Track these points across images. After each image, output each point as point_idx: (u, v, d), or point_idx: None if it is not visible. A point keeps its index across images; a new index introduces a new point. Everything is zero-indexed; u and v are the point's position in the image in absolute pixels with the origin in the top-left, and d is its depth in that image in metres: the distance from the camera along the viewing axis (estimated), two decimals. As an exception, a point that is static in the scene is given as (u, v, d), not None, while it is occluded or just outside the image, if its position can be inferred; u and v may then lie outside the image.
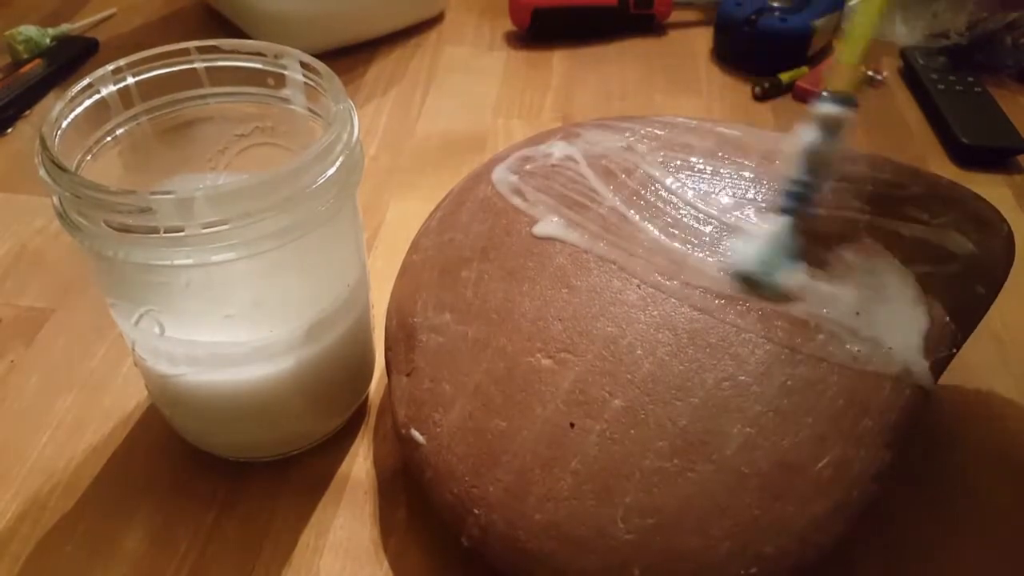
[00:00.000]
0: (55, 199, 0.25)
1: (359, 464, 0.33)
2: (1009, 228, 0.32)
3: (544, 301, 0.29)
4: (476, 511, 0.27)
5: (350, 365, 0.33)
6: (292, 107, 0.30)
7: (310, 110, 0.30)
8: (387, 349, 0.32)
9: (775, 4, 0.59)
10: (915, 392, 0.27)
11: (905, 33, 0.61)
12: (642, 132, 0.36)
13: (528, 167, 0.35)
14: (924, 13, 0.61)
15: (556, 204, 0.33)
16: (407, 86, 0.57)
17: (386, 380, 0.36)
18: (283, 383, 0.29)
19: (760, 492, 0.25)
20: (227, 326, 0.27)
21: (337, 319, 0.30)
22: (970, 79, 0.56)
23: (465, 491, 0.27)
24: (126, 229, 0.24)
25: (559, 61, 0.60)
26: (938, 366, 0.28)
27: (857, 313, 0.28)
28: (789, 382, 0.27)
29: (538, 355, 0.28)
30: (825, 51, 0.61)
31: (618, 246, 0.31)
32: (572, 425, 0.27)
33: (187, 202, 0.23)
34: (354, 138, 0.27)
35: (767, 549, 0.25)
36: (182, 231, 0.23)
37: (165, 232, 0.23)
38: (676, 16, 0.64)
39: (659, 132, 0.36)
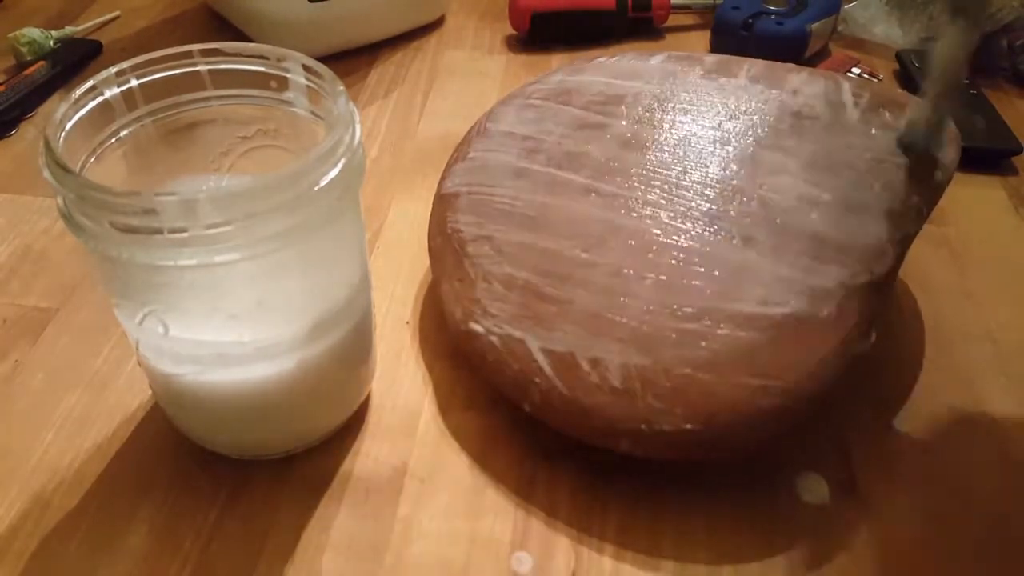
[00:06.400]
0: (59, 200, 0.25)
1: (361, 462, 0.33)
2: (955, 127, 0.38)
3: (575, 206, 0.34)
4: (537, 380, 0.31)
5: (352, 364, 0.33)
6: (295, 110, 0.30)
7: (312, 112, 0.30)
8: (434, 262, 0.37)
9: (771, 8, 0.59)
10: (894, 253, 0.33)
11: (901, 36, 0.62)
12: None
13: (535, 100, 0.41)
14: (920, 16, 0.61)
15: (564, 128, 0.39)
16: (408, 89, 0.57)
17: (385, 372, 0.37)
18: (286, 382, 0.30)
19: (776, 339, 0.30)
20: (230, 326, 0.27)
21: (339, 319, 0.30)
22: (966, 81, 0.56)
23: (526, 365, 0.31)
24: (130, 230, 0.24)
25: (558, 64, 0.60)
26: (907, 240, 0.34)
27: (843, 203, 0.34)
28: (790, 256, 0.32)
29: (576, 251, 0.33)
30: (821, 54, 0.61)
31: (632, 156, 0.36)
32: (620, 300, 0.31)
33: (191, 203, 0.23)
34: (356, 140, 0.27)
35: (787, 384, 0.30)
36: (186, 232, 0.24)
37: (169, 233, 0.24)
38: (674, 20, 0.65)
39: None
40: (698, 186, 0.34)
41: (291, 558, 0.30)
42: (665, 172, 0.35)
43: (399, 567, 0.30)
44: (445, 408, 0.36)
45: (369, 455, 0.34)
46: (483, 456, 0.34)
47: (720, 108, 0.38)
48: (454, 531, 0.31)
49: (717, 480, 0.33)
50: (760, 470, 0.33)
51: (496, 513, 0.32)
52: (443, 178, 0.40)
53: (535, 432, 0.34)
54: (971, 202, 0.48)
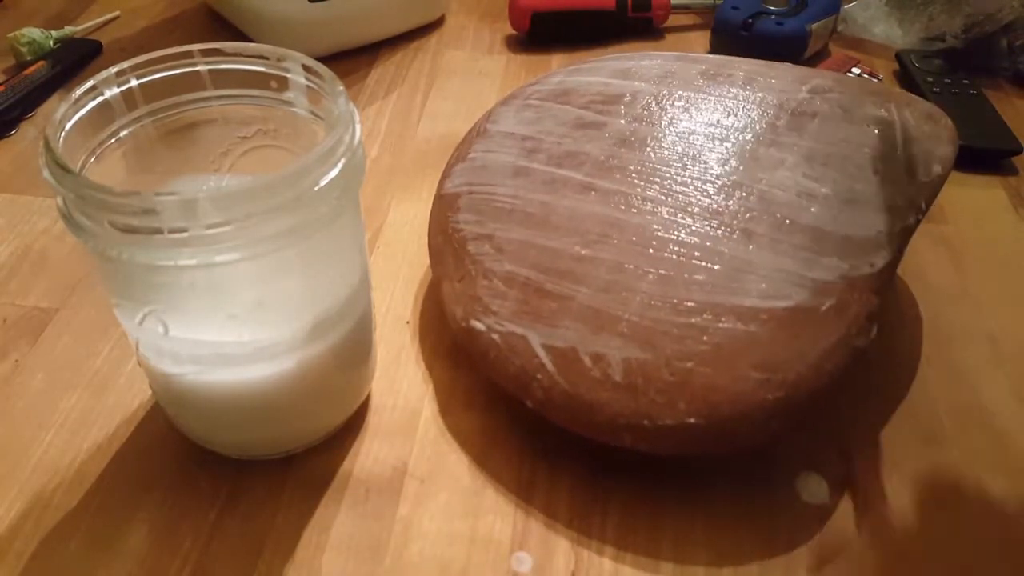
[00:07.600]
0: (59, 200, 0.25)
1: (360, 462, 0.33)
2: (951, 121, 0.39)
3: (575, 203, 0.35)
4: (539, 376, 0.31)
5: (352, 364, 0.33)
6: (295, 110, 0.30)
7: (312, 113, 0.30)
8: (434, 262, 0.37)
9: (771, 8, 0.59)
10: (894, 246, 0.33)
11: (901, 36, 0.62)
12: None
13: (533, 100, 0.41)
14: (920, 16, 0.61)
15: (564, 127, 0.39)
16: (408, 89, 0.57)
17: (385, 372, 0.37)
18: (286, 383, 0.30)
19: (778, 332, 0.30)
20: (230, 326, 0.27)
21: (339, 319, 0.30)
22: (965, 81, 0.56)
23: (527, 362, 0.31)
24: (130, 230, 0.24)
25: (558, 64, 0.60)
26: (907, 230, 0.34)
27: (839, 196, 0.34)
28: (790, 249, 0.32)
29: (577, 247, 0.33)
30: (821, 54, 0.61)
31: (631, 153, 0.36)
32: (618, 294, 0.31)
33: (191, 203, 0.23)
34: (356, 140, 0.27)
35: (789, 376, 0.29)
36: (186, 232, 0.24)
37: (169, 233, 0.24)
38: (673, 20, 0.65)
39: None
40: (697, 182, 0.34)
41: (291, 558, 0.30)
42: (664, 168, 0.35)
43: (399, 567, 0.30)
44: (445, 408, 0.36)
45: (369, 455, 0.34)
46: (483, 456, 0.34)
47: (719, 106, 0.38)
48: (454, 531, 0.31)
49: (717, 480, 0.33)
50: (760, 470, 0.33)
51: (496, 513, 0.32)
52: (443, 178, 0.40)
53: (535, 432, 0.34)
54: (971, 202, 0.48)
